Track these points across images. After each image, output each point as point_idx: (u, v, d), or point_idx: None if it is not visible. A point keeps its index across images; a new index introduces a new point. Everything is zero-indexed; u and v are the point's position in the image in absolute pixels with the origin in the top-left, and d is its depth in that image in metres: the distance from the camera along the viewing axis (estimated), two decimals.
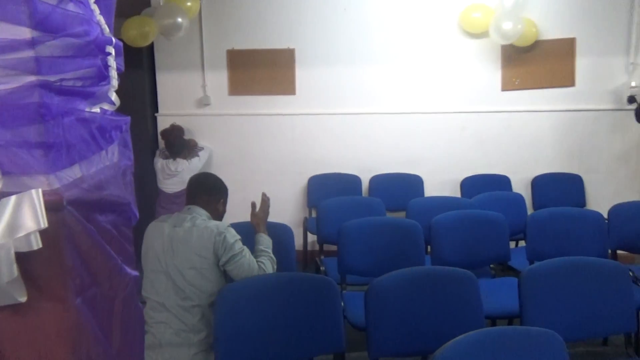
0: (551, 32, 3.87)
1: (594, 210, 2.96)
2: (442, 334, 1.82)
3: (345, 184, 3.96)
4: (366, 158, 4.06)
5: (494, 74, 3.96)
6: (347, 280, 2.58)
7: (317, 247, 3.37)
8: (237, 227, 2.13)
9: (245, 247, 1.99)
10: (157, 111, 4.11)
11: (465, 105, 4.01)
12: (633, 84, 3.86)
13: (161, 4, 3.68)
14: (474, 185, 3.88)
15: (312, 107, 4.01)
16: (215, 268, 1.94)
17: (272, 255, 2.09)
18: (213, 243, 1.92)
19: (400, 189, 3.89)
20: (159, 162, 3.78)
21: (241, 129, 4.08)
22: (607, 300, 1.92)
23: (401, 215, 3.40)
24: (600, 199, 3.85)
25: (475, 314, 1.87)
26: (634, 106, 3.82)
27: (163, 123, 4.02)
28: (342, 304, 2.01)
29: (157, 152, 3.91)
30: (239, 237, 1.99)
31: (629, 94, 3.88)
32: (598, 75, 3.93)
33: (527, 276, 1.88)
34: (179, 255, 1.91)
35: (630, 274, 2.19)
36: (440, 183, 4.05)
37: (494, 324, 2.34)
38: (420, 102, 4.00)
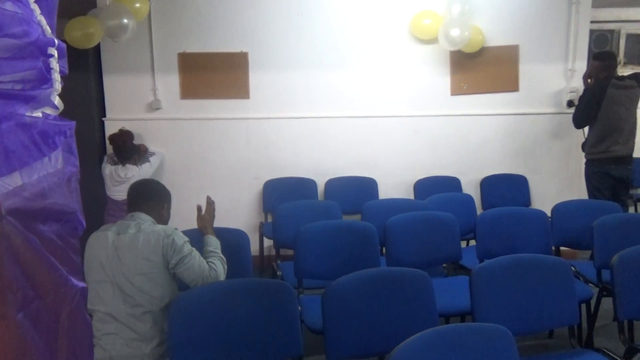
0: (496, 39, 4.04)
1: (538, 209, 3.10)
2: (398, 333, 1.85)
3: (301, 188, 3.97)
4: (321, 162, 4.08)
5: (444, 79, 4.09)
6: (304, 284, 2.58)
7: (273, 252, 3.35)
8: (190, 233, 2.10)
9: (194, 249, 1.97)
10: (104, 115, 3.96)
11: (417, 109, 4.11)
12: (572, 89, 4.09)
13: (107, 4, 3.56)
14: (427, 187, 3.98)
15: (266, 111, 4.00)
16: (164, 271, 1.90)
17: (221, 255, 2.08)
18: (161, 246, 1.89)
19: (355, 191, 3.93)
20: (107, 169, 3.65)
21: (194, 133, 4.00)
22: (552, 294, 2.01)
23: (357, 217, 3.44)
24: (544, 198, 4.04)
25: (429, 312, 1.92)
26: (572, 110, 4.04)
27: (111, 128, 3.88)
28: (299, 308, 2.01)
29: (105, 158, 3.77)
30: (187, 238, 1.97)
31: (568, 99, 4.11)
32: (540, 80, 4.13)
33: (477, 274, 1.95)
34: (126, 262, 1.86)
35: (572, 269, 2.32)
36: (394, 185, 4.13)
37: (447, 321, 2.40)
38: (373, 106, 4.07)
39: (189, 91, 3.95)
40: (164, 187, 2.20)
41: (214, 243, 2.12)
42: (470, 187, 4.14)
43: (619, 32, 5.10)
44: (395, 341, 1.42)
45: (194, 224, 2.35)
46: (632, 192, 4.60)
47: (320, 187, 4.06)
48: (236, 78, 3.93)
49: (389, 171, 4.14)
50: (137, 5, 3.53)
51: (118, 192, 3.59)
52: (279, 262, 3.06)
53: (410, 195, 4.07)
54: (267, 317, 1.83)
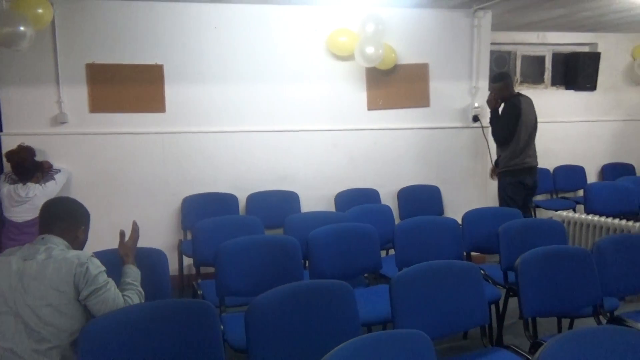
0: (408, 57, 4.27)
1: (450, 218, 3.28)
2: (322, 346, 1.85)
3: (221, 203, 3.88)
4: (242, 176, 4.03)
5: (361, 95, 4.23)
6: (226, 302, 2.51)
7: (193, 271, 3.23)
8: (103, 255, 1.96)
9: (110, 280, 1.82)
10: (1, 130, 3.62)
11: (336, 124, 4.20)
12: (476, 104, 4.41)
13: (2, 10, 3.27)
14: (347, 199, 4.07)
15: (183, 125, 3.88)
16: (75, 303, 1.73)
17: (140, 289, 1.94)
18: (73, 275, 1.72)
19: (277, 206, 3.92)
20: (5, 188, 3.33)
21: (106, 148, 3.78)
22: (465, 297, 2.13)
23: (279, 232, 3.43)
24: (455, 207, 4.29)
25: (352, 323, 1.94)
26: (478, 124, 4.35)
27: (9, 144, 3.55)
28: (222, 327, 1.94)
29: (2, 177, 3.44)
30: (103, 268, 1.81)
31: (473, 114, 4.43)
32: (448, 96, 4.41)
33: (396, 282, 2.01)
34: (32, 292, 1.68)
35: (482, 272, 2.47)
36: (316, 198, 4.17)
37: (370, 330, 2.45)
38: (293, 120, 4.10)
39: (98, 104, 3.73)
40: (81, 206, 2.01)
41: (133, 274, 1.97)
42: (388, 198, 4.29)
43: (515, 54, 5.61)
44: (320, 354, 1.42)
45: (105, 246, 2.21)
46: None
47: (242, 202, 4.00)
48: (151, 91, 3.78)
49: (310, 184, 4.18)
50: (39, 11, 3.29)
51: (18, 213, 3.29)
52: (199, 281, 2.95)
53: (331, 207, 4.13)
54: (188, 340, 1.75)
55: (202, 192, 3.92)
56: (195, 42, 3.83)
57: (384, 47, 3.94)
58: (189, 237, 3.77)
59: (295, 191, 4.10)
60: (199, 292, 2.75)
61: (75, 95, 3.69)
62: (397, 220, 3.81)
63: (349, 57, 4.09)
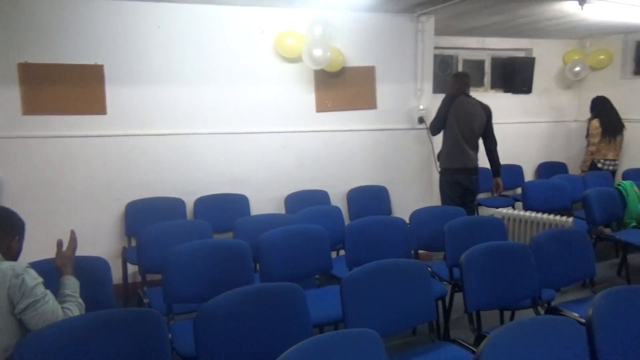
0: (355, 60, 4.33)
1: (398, 217, 3.35)
2: (274, 349, 1.84)
3: (167, 208, 3.77)
4: (189, 180, 3.94)
5: (309, 97, 4.24)
6: (174, 309, 2.45)
7: (139, 279, 3.12)
8: (40, 266, 1.85)
9: (48, 292, 1.72)
10: None
11: (285, 126, 4.20)
12: (421, 107, 4.54)
13: None
14: (297, 201, 4.07)
15: (126, 127, 3.74)
16: (9, 317, 1.63)
17: (80, 300, 1.85)
18: (8, 287, 1.62)
19: (226, 209, 3.86)
20: None
21: (41, 153, 3.57)
22: (413, 294, 2.18)
23: (229, 235, 3.38)
24: (403, 207, 4.40)
25: (303, 325, 1.94)
26: (423, 126, 4.48)
27: None
28: (170, 335, 1.89)
29: None
30: (40, 279, 1.72)
31: (419, 115, 4.55)
32: (394, 99, 4.52)
33: (347, 282, 2.03)
34: None
35: (429, 269, 2.54)
36: (266, 201, 4.15)
37: (321, 331, 2.46)
38: (241, 122, 4.05)
39: (32, 106, 3.52)
40: (14, 214, 1.90)
41: (72, 285, 1.88)
42: (338, 199, 4.33)
43: (457, 58, 5.82)
44: (271, 357, 1.42)
45: (42, 255, 2.09)
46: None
47: (189, 207, 3.90)
48: (90, 92, 3.62)
49: (259, 187, 4.15)
50: None
51: None
52: (145, 288, 2.85)
53: (281, 210, 4.12)
54: (134, 350, 1.69)
55: (147, 197, 3.80)
56: (138, 42, 3.70)
57: (331, 50, 3.97)
58: (134, 243, 3.64)
59: (245, 194, 4.05)
60: (145, 301, 2.66)
61: (6, 96, 3.46)
62: (347, 221, 3.85)
63: (297, 59, 4.09)
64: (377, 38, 4.37)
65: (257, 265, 2.82)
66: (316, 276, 2.97)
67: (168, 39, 3.77)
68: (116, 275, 2.63)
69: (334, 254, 3.54)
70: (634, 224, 4.35)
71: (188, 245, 2.51)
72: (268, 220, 3.21)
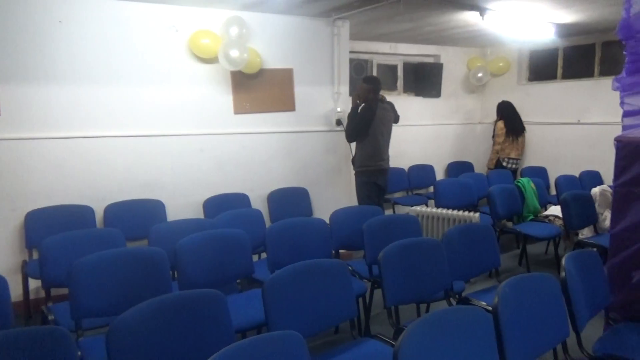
0: (273, 62, 4.32)
1: (318, 218, 3.39)
2: (194, 357, 1.79)
3: (74, 216, 3.50)
4: (98, 186, 3.69)
5: (227, 98, 4.16)
6: (83, 325, 2.28)
7: (43, 294, 2.87)
8: None
9: None
10: None
11: (202, 128, 4.08)
12: (339, 109, 4.64)
13: None
14: (216, 205, 3.98)
15: (23, 130, 3.42)
16: None
17: None
18: None
19: (140, 216, 3.67)
20: None
21: None
22: (335, 293, 2.21)
23: (144, 243, 3.22)
24: (323, 207, 4.46)
25: (225, 331, 1.90)
26: (341, 128, 4.58)
27: None
28: (79, 353, 1.76)
29: None
30: None
31: (336, 118, 4.64)
32: (312, 101, 4.57)
33: (269, 285, 2.01)
34: None
35: (349, 268, 2.60)
36: (183, 206, 4.01)
37: (244, 336, 2.41)
38: (155, 124, 3.88)
39: None
40: None
41: None
42: (258, 202, 4.30)
43: (372, 62, 6.02)
44: None
45: None
46: (389, 197, 5.45)
47: (99, 214, 3.66)
48: None
49: (176, 192, 4.00)
50: None
51: None
52: (50, 304, 2.63)
53: (200, 215, 4.00)
54: None
55: (50, 205, 3.50)
56: (37, 38, 3.41)
57: (248, 51, 3.93)
58: (35, 256, 3.34)
59: (160, 199, 3.88)
60: (49, 318, 2.45)
61: None
62: (268, 224, 3.83)
63: (213, 60, 4.00)
64: (294, 41, 4.40)
65: (175, 273, 2.71)
66: (237, 281, 2.92)
67: (71, 34, 3.51)
68: (16, 292, 2.40)
69: (255, 258, 3.50)
70: (532, 217, 4.77)
71: (97, 255, 2.35)
72: (185, 226, 3.10)
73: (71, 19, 3.50)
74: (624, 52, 2.40)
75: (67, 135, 3.56)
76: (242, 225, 3.18)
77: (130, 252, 2.51)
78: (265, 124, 4.37)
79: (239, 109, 4.22)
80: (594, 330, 2.31)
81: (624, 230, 2.44)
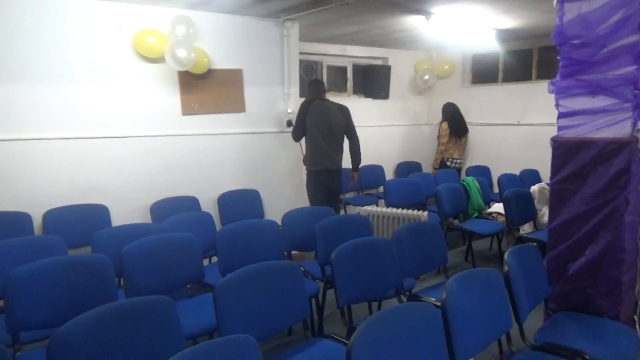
0: (222, 62, 4.25)
1: (270, 220, 3.37)
2: None
3: (9, 223, 3.29)
4: (36, 191, 3.49)
5: (174, 99, 4.06)
6: (21, 339, 2.15)
7: None
8: None
9: None
10: None
11: (149, 129, 3.96)
12: (289, 110, 4.63)
13: None
14: (164, 208, 3.87)
15: None
16: None
17: None
18: None
19: (82, 221, 3.50)
20: None
21: None
22: (287, 295, 2.21)
23: (87, 250, 3.08)
24: (275, 209, 4.43)
25: (175, 338, 1.85)
26: (292, 129, 4.57)
27: None
28: None
29: None
30: None
31: (287, 119, 4.64)
32: (263, 102, 4.54)
33: (220, 289, 1.98)
34: None
35: (302, 269, 2.60)
36: (129, 210, 3.86)
37: (195, 342, 2.36)
38: (98, 126, 3.72)
39: None
40: None
41: None
42: (209, 204, 4.21)
43: (322, 64, 6.06)
44: None
45: None
46: (341, 197, 5.50)
47: (37, 221, 3.46)
48: None
49: (121, 196, 3.85)
50: None
51: None
52: None
53: (147, 219, 3.87)
54: None
55: None
56: None
57: (196, 51, 3.85)
58: None
59: (104, 204, 3.72)
60: None
61: None
62: (218, 227, 3.77)
63: (159, 60, 3.89)
64: (243, 41, 4.35)
65: (122, 280, 2.61)
66: (188, 286, 2.85)
67: (4, 29, 3.30)
68: None
69: (206, 262, 3.43)
70: (476, 214, 4.96)
71: (36, 264, 2.23)
72: (132, 231, 2.98)
73: (3, 13, 3.29)
74: (558, 57, 2.54)
75: (2, 138, 3.35)
76: (191, 228, 3.11)
77: (72, 260, 2.39)
78: (215, 125, 4.29)
79: (187, 110, 4.12)
80: (535, 321, 2.43)
81: (561, 225, 2.59)
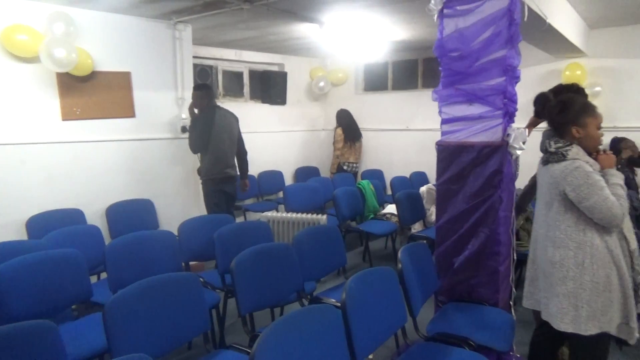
0: (107, 64, 3.98)
1: (166, 230, 3.21)
2: None
3: None
4: None
5: (52, 103, 3.71)
6: None
7: None
8: None
9: None
10: None
11: (23, 136, 3.57)
12: (183, 116, 4.47)
13: None
14: (43, 223, 3.50)
15: None
16: None
17: None
18: None
19: None
20: None
21: None
22: (185, 308, 2.11)
23: None
24: (171, 219, 4.24)
25: None
26: (186, 135, 4.41)
27: None
28: None
29: None
30: None
31: (181, 125, 4.46)
32: (154, 107, 4.32)
33: (110, 308, 1.84)
34: None
35: (201, 280, 2.51)
36: (0, 227, 3.44)
37: None
38: None
39: None
40: None
41: None
42: (96, 217, 3.91)
43: (217, 68, 5.94)
44: None
45: None
46: (240, 204, 5.43)
47: None
48: None
49: None
50: None
51: None
52: None
53: (22, 235, 3.48)
54: None
55: None
56: None
57: (77, 51, 3.56)
58: None
59: None
60: None
61: None
62: (107, 240, 3.50)
63: (33, 59, 3.53)
64: (131, 42, 4.11)
65: None
66: (73, 307, 2.61)
67: None
68: None
69: (94, 279, 3.17)
70: (372, 216, 5.19)
71: None
72: (4, 249, 2.66)
73: None
74: (440, 68, 2.75)
75: None
76: (76, 243, 2.87)
77: None
78: (102, 131, 3.99)
79: (67, 115, 3.79)
80: (427, 313, 2.59)
81: (446, 222, 2.80)
